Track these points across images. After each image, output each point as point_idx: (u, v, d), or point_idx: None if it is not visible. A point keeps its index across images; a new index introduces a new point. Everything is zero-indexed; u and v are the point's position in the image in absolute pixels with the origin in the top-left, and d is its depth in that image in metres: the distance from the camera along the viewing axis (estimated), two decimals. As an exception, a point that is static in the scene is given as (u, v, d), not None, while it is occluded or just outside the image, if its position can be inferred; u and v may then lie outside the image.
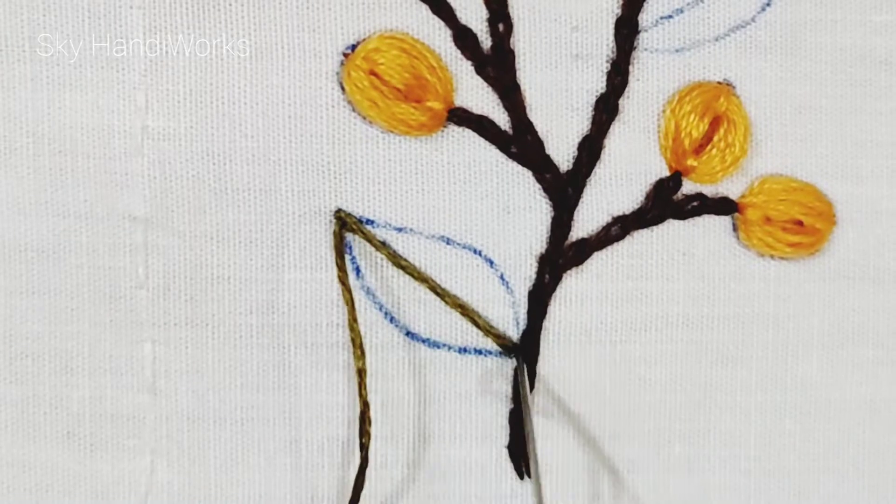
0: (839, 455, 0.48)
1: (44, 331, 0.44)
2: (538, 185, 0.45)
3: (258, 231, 0.44)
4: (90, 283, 0.44)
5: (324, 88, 0.44)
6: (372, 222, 0.45)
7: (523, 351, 0.46)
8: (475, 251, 0.45)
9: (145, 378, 0.45)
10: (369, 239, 0.44)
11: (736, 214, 0.46)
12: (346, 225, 0.44)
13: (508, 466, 0.47)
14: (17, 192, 0.43)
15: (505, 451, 0.47)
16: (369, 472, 0.45)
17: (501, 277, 0.45)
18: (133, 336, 0.44)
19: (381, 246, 0.44)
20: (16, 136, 0.43)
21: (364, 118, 0.44)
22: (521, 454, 0.46)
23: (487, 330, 0.45)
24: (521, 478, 0.47)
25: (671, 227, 0.46)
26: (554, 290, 0.46)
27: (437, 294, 0.45)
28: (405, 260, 0.44)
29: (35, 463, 0.45)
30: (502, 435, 0.47)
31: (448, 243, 0.45)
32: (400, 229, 0.45)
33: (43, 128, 0.43)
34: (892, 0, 0.46)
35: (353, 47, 0.44)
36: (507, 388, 0.46)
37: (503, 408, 0.46)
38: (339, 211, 0.44)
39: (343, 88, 0.44)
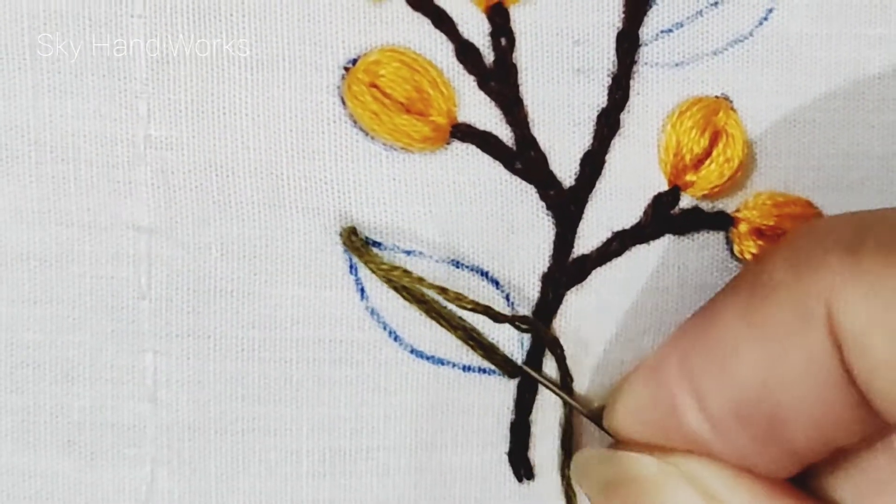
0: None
1: (45, 340, 0.44)
2: (542, 203, 0.45)
3: (262, 245, 0.44)
4: (92, 292, 0.44)
5: (325, 102, 0.44)
6: (379, 245, 0.45)
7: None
8: (482, 273, 0.45)
9: (146, 388, 0.45)
10: (374, 265, 0.43)
11: (731, 228, 0.47)
12: (353, 247, 0.44)
13: (508, 471, 0.47)
14: (19, 201, 0.43)
15: (505, 458, 0.47)
16: (371, 480, 0.46)
17: (507, 298, 0.46)
18: (134, 346, 0.44)
19: (387, 269, 0.43)
20: (17, 144, 0.43)
21: (366, 133, 0.44)
22: (521, 460, 0.47)
23: (491, 353, 0.45)
24: (521, 481, 0.47)
25: (667, 241, 0.46)
26: (557, 308, 0.46)
27: (442, 324, 0.45)
28: (408, 276, 0.44)
29: (35, 471, 0.45)
30: (503, 443, 0.47)
31: (457, 266, 0.45)
32: (409, 252, 0.45)
33: (45, 136, 0.43)
34: (886, 14, 0.46)
35: (355, 61, 0.44)
36: (510, 402, 0.46)
37: (505, 419, 0.47)
38: (343, 233, 0.44)
39: (344, 102, 0.44)
